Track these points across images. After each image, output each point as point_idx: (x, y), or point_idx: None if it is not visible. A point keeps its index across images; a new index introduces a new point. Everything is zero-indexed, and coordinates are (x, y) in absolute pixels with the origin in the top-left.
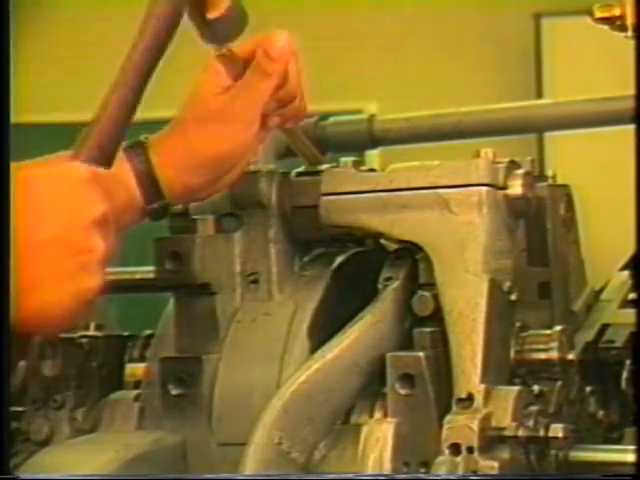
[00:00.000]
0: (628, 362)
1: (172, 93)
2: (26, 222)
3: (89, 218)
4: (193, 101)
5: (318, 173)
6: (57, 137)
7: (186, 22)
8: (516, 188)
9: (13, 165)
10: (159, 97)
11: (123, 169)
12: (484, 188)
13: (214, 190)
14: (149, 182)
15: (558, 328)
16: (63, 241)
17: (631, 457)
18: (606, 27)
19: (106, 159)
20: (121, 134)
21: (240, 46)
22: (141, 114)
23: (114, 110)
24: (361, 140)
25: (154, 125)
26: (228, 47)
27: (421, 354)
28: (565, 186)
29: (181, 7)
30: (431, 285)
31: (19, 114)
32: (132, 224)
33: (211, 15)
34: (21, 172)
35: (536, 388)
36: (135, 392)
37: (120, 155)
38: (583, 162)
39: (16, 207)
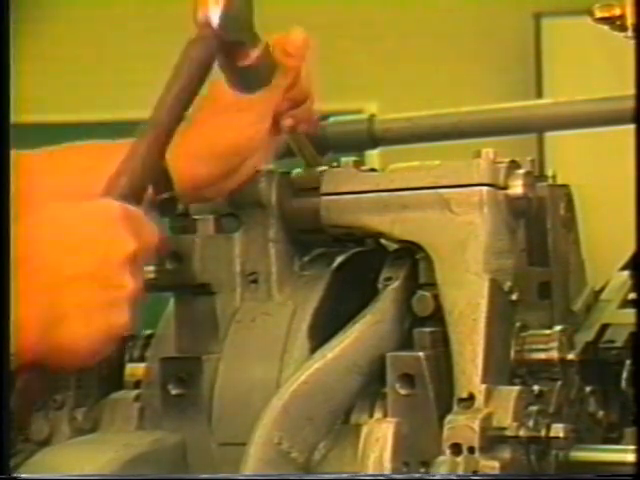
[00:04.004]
0: (628, 362)
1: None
2: (57, 257)
3: (121, 255)
4: (209, 94)
5: (318, 173)
6: (57, 137)
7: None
8: (517, 188)
9: (13, 153)
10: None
11: None
12: (485, 188)
13: (220, 190)
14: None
15: (558, 328)
16: (94, 276)
17: (631, 457)
18: (606, 27)
19: (136, 197)
20: (151, 174)
21: None
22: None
23: (146, 151)
24: (361, 140)
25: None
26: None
27: (421, 354)
28: (565, 186)
29: (215, 52)
30: (431, 285)
31: (19, 114)
32: None
33: (242, 63)
34: (52, 208)
35: (536, 388)
36: (135, 392)
37: None
38: (583, 162)
39: (47, 241)
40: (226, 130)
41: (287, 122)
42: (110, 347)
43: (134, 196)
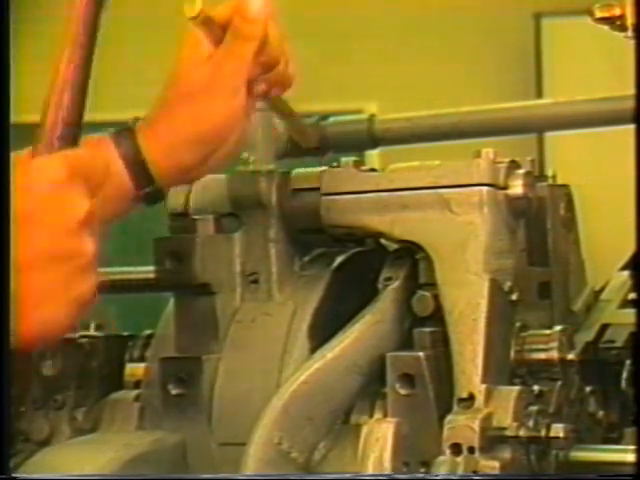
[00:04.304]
0: (628, 362)
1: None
2: (10, 240)
3: (74, 220)
4: (176, 78)
5: (318, 173)
6: None
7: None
8: (517, 188)
9: (13, 155)
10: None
11: (110, 156)
12: (485, 188)
13: (206, 169)
14: (138, 168)
15: (558, 328)
16: (52, 252)
17: (631, 457)
18: (606, 27)
19: (72, 134)
20: (83, 101)
21: (216, 11)
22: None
23: (71, 75)
24: (361, 140)
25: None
26: (202, 10)
27: (421, 354)
28: (565, 186)
29: None
30: (431, 285)
31: (19, 114)
32: (124, 213)
33: None
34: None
35: (536, 388)
36: (135, 392)
37: (107, 141)
38: (583, 162)
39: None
40: (201, 116)
41: (260, 87)
42: (81, 314)
43: (69, 132)
